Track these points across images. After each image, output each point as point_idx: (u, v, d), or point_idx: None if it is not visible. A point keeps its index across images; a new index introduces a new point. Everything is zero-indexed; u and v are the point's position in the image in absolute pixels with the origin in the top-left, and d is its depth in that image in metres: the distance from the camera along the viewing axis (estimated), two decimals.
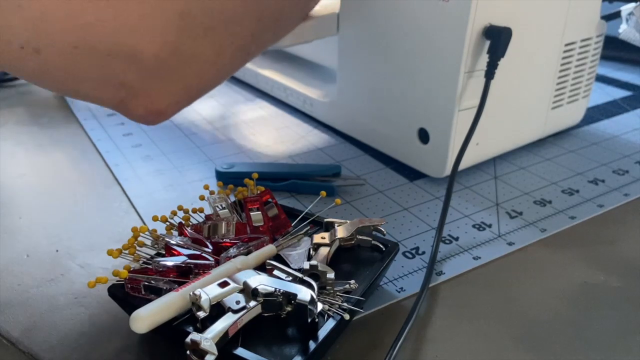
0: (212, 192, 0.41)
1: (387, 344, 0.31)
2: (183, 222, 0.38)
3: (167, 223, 0.38)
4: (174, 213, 0.39)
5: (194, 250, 0.34)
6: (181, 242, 0.35)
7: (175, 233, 0.37)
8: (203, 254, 0.34)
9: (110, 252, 0.34)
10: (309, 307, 0.29)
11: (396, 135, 0.51)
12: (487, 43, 0.44)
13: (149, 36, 0.34)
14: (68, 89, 0.37)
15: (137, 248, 0.35)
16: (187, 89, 0.39)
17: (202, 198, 0.41)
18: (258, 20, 0.40)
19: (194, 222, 0.39)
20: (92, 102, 0.38)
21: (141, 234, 0.36)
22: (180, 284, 0.31)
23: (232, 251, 0.34)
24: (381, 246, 0.37)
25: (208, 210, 0.40)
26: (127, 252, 0.35)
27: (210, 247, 0.35)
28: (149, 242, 0.36)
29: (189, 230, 0.37)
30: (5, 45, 0.31)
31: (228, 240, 0.36)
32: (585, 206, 0.46)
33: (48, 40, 0.31)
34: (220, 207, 0.39)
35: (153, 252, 0.35)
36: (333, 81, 0.57)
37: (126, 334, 0.33)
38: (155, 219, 0.39)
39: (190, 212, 0.40)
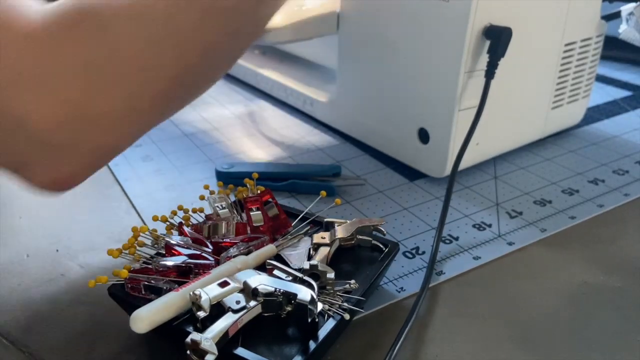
0: (212, 192, 0.41)
1: (387, 344, 0.31)
2: (183, 222, 0.38)
3: (167, 223, 0.38)
4: (174, 213, 0.39)
5: (194, 250, 0.34)
6: (181, 242, 0.35)
7: (175, 233, 0.37)
8: (203, 254, 0.34)
9: (110, 252, 0.34)
10: (309, 307, 0.29)
11: (396, 135, 0.51)
12: (487, 43, 0.44)
13: (42, 96, 0.28)
14: None
15: (137, 248, 0.35)
16: (97, 150, 0.32)
17: (202, 198, 0.41)
18: (179, 59, 0.32)
19: (194, 222, 0.39)
20: None
21: (141, 234, 0.36)
22: (180, 284, 0.31)
23: (232, 251, 0.34)
24: (381, 246, 0.37)
25: (208, 210, 0.40)
26: (127, 252, 0.35)
27: (210, 247, 0.35)
28: (149, 242, 0.36)
29: (189, 230, 0.37)
30: None
31: (228, 240, 0.35)
32: (585, 206, 0.46)
33: None
34: (220, 207, 0.39)
35: (153, 252, 0.35)
36: (333, 81, 0.57)
37: (126, 334, 0.33)
38: (155, 219, 0.39)
39: (190, 212, 0.40)
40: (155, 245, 0.36)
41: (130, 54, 0.30)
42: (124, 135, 0.33)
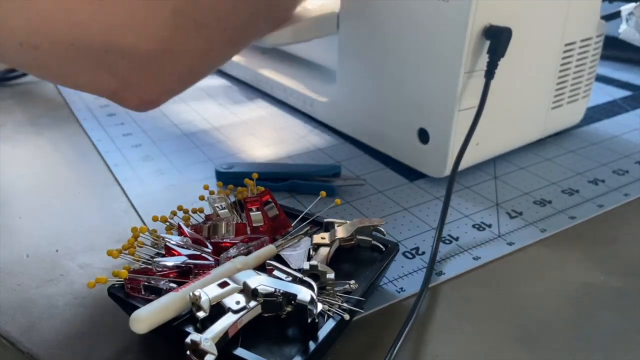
0: (212, 192, 0.41)
1: (387, 344, 0.31)
2: (182, 222, 0.38)
3: (167, 223, 0.38)
4: (173, 213, 0.39)
5: (193, 250, 0.34)
6: (181, 243, 0.35)
7: (175, 233, 0.37)
8: (203, 254, 0.34)
9: (110, 253, 0.34)
10: (309, 307, 0.29)
11: (396, 135, 0.51)
12: (487, 43, 0.44)
13: (141, 33, 0.36)
14: (65, 81, 0.39)
15: (137, 248, 0.35)
16: (179, 80, 0.42)
17: (202, 198, 0.41)
18: (250, 14, 0.42)
19: (194, 222, 0.39)
20: (87, 92, 0.41)
21: (141, 234, 0.36)
22: (180, 284, 0.31)
23: (232, 251, 0.34)
24: (381, 246, 0.37)
25: (208, 210, 0.40)
26: (127, 252, 0.35)
27: (210, 247, 0.35)
28: (149, 242, 0.36)
29: (189, 231, 0.37)
30: (6, 42, 0.33)
31: (228, 241, 0.35)
32: (585, 206, 0.46)
33: (46, 37, 0.33)
34: (220, 207, 0.39)
35: (153, 253, 0.35)
36: (333, 81, 0.57)
37: (126, 334, 0.33)
38: (155, 219, 0.39)
39: (190, 212, 0.40)
40: (155, 246, 0.36)
41: (211, 6, 0.38)
42: (202, 70, 0.43)
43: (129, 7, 0.34)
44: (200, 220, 0.39)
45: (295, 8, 0.50)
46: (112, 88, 0.39)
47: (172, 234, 0.38)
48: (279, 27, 0.49)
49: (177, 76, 0.41)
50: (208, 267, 0.33)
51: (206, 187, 0.42)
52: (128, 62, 0.37)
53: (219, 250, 0.35)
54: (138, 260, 0.34)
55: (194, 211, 0.40)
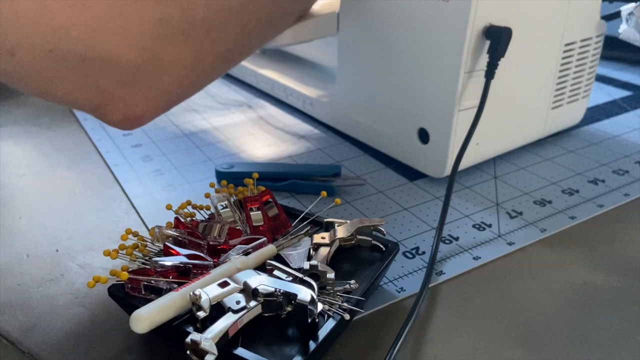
0: (217, 191, 0.41)
1: (387, 344, 0.31)
2: (182, 216, 0.38)
3: (174, 213, 0.38)
4: (183, 206, 0.39)
5: (191, 250, 0.34)
6: (176, 233, 0.35)
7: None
8: (201, 254, 0.34)
9: (107, 253, 0.34)
10: (309, 307, 0.29)
11: (396, 135, 0.51)
12: (487, 43, 0.44)
13: (125, 42, 0.33)
14: (42, 92, 0.35)
15: (134, 250, 0.35)
16: (165, 94, 0.38)
17: (207, 196, 0.41)
18: (242, 28, 0.39)
19: (199, 218, 0.39)
20: (67, 106, 0.38)
21: (139, 234, 0.36)
22: (180, 284, 0.31)
23: (233, 253, 0.34)
24: (381, 246, 0.37)
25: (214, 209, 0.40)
26: (124, 252, 0.35)
27: (205, 242, 0.35)
28: (147, 242, 0.36)
29: (186, 221, 0.36)
30: None
31: (225, 244, 0.35)
32: (585, 206, 0.46)
33: (23, 42, 0.30)
34: (222, 207, 0.39)
35: (152, 252, 0.35)
36: (333, 81, 0.57)
37: (126, 334, 0.33)
38: (169, 207, 0.39)
39: (195, 209, 0.39)
40: (150, 244, 0.36)
41: (201, 17, 0.35)
42: (188, 85, 0.39)
43: (113, 12, 0.32)
44: (205, 217, 0.39)
45: (293, 23, 0.47)
46: (95, 102, 0.36)
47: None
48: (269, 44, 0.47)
49: (163, 91, 0.38)
50: (207, 267, 0.33)
51: (212, 185, 0.42)
52: (110, 73, 0.34)
53: (216, 251, 0.35)
54: (135, 261, 0.34)
55: (200, 208, 0.40)
